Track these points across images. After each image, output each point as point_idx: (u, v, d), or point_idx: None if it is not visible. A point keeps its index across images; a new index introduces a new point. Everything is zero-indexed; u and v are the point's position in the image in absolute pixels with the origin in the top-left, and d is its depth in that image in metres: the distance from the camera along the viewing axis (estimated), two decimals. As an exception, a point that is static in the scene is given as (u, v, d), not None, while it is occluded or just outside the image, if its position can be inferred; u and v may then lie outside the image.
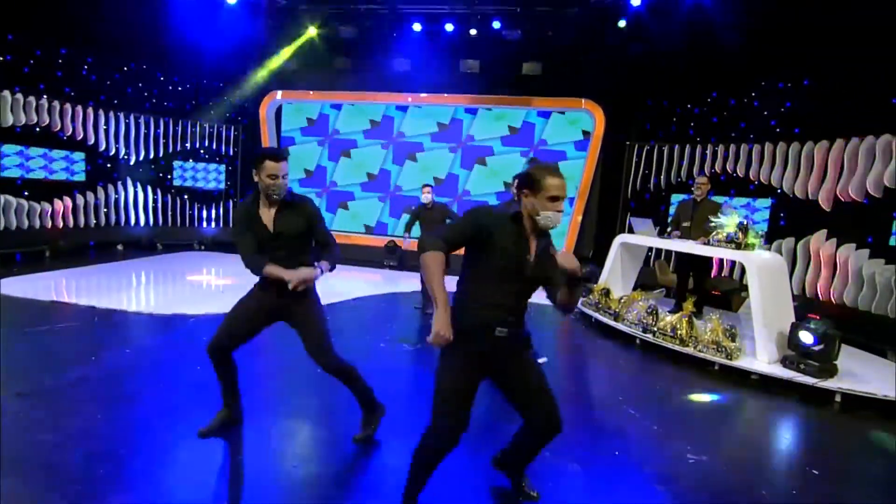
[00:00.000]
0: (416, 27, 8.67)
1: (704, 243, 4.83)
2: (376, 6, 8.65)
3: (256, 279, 2.56)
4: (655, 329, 4.76)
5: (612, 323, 5.25)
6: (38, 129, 7.35)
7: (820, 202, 6.12)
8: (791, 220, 6.59)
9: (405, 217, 8.45)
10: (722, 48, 6.85)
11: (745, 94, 7.19)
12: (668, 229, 5.81)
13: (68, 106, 7.65)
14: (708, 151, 7.43)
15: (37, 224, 7.39)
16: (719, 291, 6.49)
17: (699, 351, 4.37)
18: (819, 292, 6.05)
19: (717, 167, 7.30)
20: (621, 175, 8.41)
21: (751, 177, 6.93)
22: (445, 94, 8.94)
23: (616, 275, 5.93)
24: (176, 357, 3.93)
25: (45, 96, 7.33)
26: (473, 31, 8.42)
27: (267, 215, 2.43)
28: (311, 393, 3.38)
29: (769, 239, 6.74)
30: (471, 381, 1.91)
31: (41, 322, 4.49)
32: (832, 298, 5.89)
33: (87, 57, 7.97)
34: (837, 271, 5.87)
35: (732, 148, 7.15)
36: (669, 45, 7.43)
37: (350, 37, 8.81)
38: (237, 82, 9.42)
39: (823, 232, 6.12)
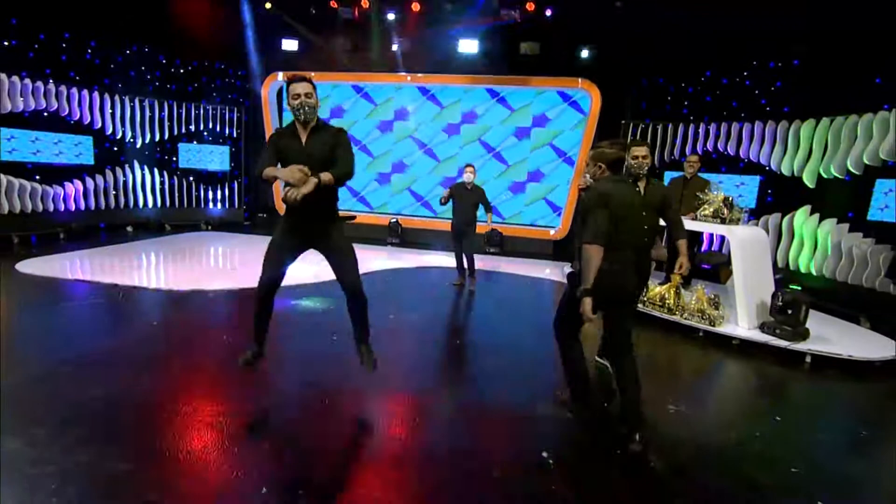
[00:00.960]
0: (415, 7, 8.77)
1: (692, 219, 5.11)
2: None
3: None
4: (645, 299, 5.08)
5: (605, 295, 5.56)
6: (45, 114, 7.50)
7: (804, 179, 6.40)
8: (778, 196, 6.87)
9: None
10: (717, 28, 7.00)
11: (737, 74, 7.38)
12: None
13: (74, 90, 7.80)
14: (700, 130, 7.64)
15: (50, 207, 7.62)
16: (710, 265, 6.83)
17: (685, 319, 4.70)
18: (802, 265, 6.38)
19: (710, 145, 7.53)
20: (617, 154, 8.63)
21: (741, 155, 7.18)
22: (444, 75, 9.06)
23: (609, 250, 6.22)
24: (201, 327, 4.25)
25: (50, 80, 7.47)
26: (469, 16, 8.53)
27: (301, 138, 2.71)
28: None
29: (757, 214, 7.03)
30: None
31: (69, 299, 4.79)
32: (813, 271, 6.22)
33: (91, 41, 8.07)
34: (819, 245, 6.18)
35: (724, 126, 7.37)
36: (665, 24, 7.56)
37: (350, 17, 8.90)
38: (239, 64, 9.53)
39: (807, 207, 6.41)
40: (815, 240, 6.25)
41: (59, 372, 3.11)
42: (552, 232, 8.99)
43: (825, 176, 6.19)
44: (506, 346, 4.24)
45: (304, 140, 2.69)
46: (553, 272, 7.30)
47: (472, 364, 3.93)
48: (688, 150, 7.67)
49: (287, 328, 4.20)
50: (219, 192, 9.71)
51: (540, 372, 3.67)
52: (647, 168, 3.36)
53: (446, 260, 7.16)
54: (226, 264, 7.00)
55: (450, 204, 5.82)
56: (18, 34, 7.19)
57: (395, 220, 9.11)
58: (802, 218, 6.43)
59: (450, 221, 5.91)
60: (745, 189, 7.22)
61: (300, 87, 2.64)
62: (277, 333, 3.53)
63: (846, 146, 5.88)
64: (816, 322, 4.74)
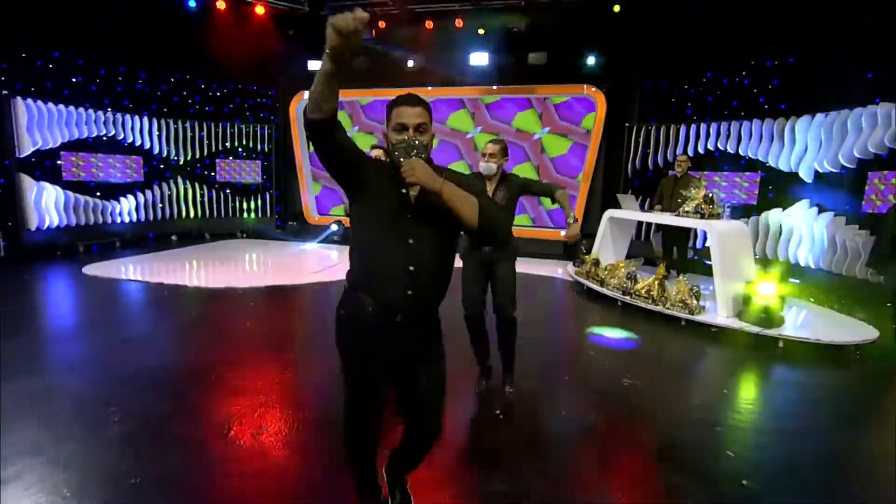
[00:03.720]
0: (429, 24, 9.40)
1: (677, 214, 5.42)
2: (390, 7, 9.42)
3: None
4: (633, 291, 5.43)
5: (598, 288, 5.93)
6: (104, 139, 8.56)
7: (801, 174, 6.54)
8: (777, 192, 7.01)
9: None
10: (716, 29, 7.23)
11: (736, 74, 7.56)
12: (653, 203, 6.38)
13: (128, 116, 8.85)
14: (703, 130, 7.85)
15: (108, 220, 8.66)
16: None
17: (668, 308, 5.02)
18: (800, 258, 6.50)
19: (711, 144, 7.73)
20: (623, 156, 8.92)
21: (741, 153, 7.35)
22: (456, 87, 9.63)
23: (606, 246, 6.57)
24: (232, 317, 4.94)
25: (109, 109, 8.53)
26: (481, 31, 9.07)
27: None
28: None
29: (759, 210, 7.18)
30: None
31: (125, 294, 5.63)
32: (811, 263, 6.34)
33: (141, 72, 9.13)
34: (815, 238, 6.31)
35: (725, 125, 7.56)
36: (667, 27, 7.84)
37: (367, 38, 9.62)
38: (269, 85, 10.42)
39: (806, 201, 6.54)
40: (812, 233, 6.38)
41: (120, 346, 3.85)
42: (562, 233, 9.32)
43: (820, 170, 6.33)
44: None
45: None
46: (565, 272, 7.65)
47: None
48: (690, 149, 7.88)
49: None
50: (252, 203, 10.60)
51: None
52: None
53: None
54: (257, 268, 7.77)
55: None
56: (84, 71, 8.27)
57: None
58: (801, 212, 6.56)
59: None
60: (749, 186, 7.38)
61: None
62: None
63: (838, 140, 6.02)
64: (805, 313, 4.97)
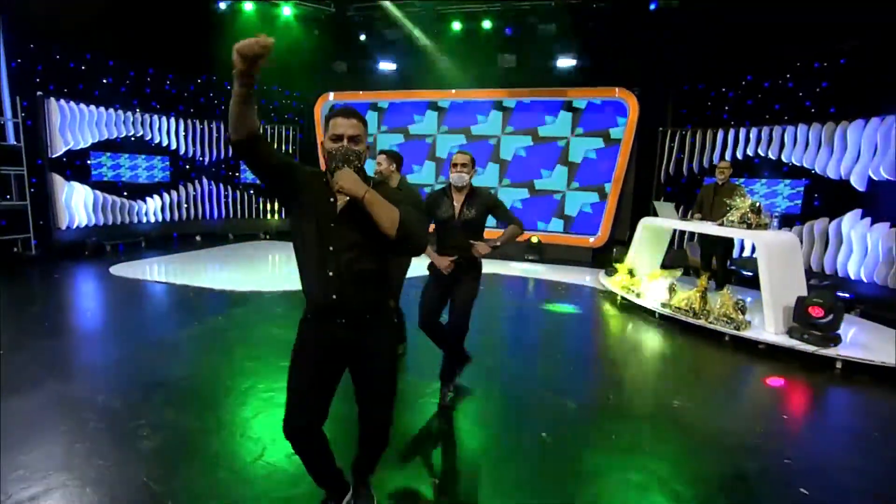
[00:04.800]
0: (456, 26, 9.25)
1: (720, 224, 5.14)
2: (417, 9, 9.30)
3: None
4: (671, 304, 5.16)
5: (634, 299, 5.67)
6: (132, 139, 8.62)
7: (853, 182, 6.17)
8: (825, 200, 6.64)
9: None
10: (756, 30, 6.92)
11: (780, 76, 7.22)
12: (691, 212, 6.09)
13: (156, 117, 8.89)
14: (741, 135, 7.51)
15: (135, 219, 8.71)
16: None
17: (710, 323, 4.74)
18: (850, 271, 6.13)
19: (750, 150, 7.39)
20: (655, 161, 8.62)
21: (783, 159, 7.00)
22: (485, 89, 9.45)
23: (641, 255, 6.30)
24: (258, 321, 4.83)
25: (137, 110, 8.58)
26: (508, 31, 8.90)
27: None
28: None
29: (803, 220, 6.82)
30: None
31: (152, 297, 5.58)
32: (863, 277, 5.97)
33: (169, 74, 9.18)
34: (869, 250, 5.94)
35: (766, 130, 7.22)
36: (703, 29, 7.56)
37: (395, 38, 9.53)
38: (294, 87, 10.40)
39: (857, 211, 6.17)
40: (865, 245, 6.00)
41: (143, 351, 3.75)
42: (591, 240, 9.07)
43: (875, 178, 5.96)
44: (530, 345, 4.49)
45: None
46: (593, 279, 7.39)
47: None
48: (728, 155, 7.55)
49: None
50: (276, 205, 10.57)
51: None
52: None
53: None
54: (280, 270, 7.70)
55: None
56: (114, 72, 8.34)
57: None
58: (852, 222, 6.19)
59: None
60: (792, 194, 7.03)
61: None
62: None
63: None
64: (861, 330, 4.64)
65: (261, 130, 1.65)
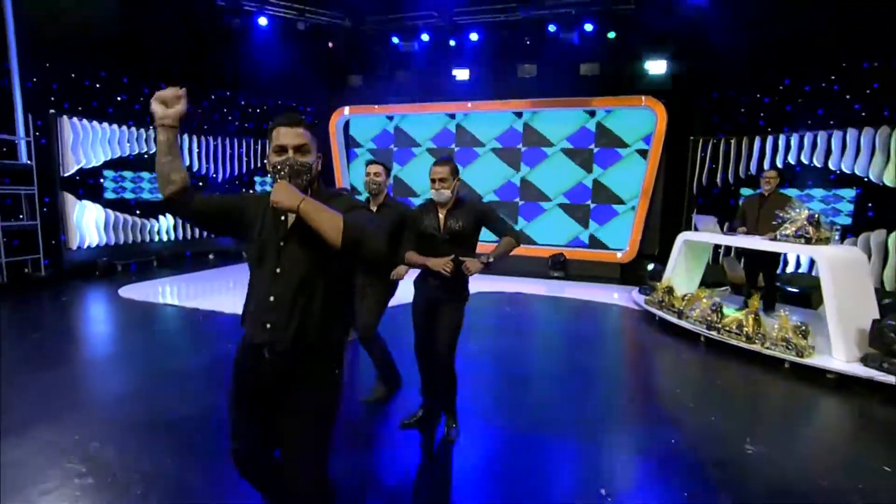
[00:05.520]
0: (474, 37, 9.01)
1: (772, 239, 4.69)
2: (434, 19, 9.09)
3: None
4: (720, 326, 4.69)
5: (675, 320, 5.21)
6: (145, 156, 8.47)
7: (913, 190, 5.68)
8: (880, 210, 6.13)
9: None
10: (793, 32, 6.52)
11: (823, 79, 6.77)
12: (734, 225, 5.62)
13: (169, 133, 8.74)
14: (781, 142, 7.05)
15: (147, 238, 8.51)
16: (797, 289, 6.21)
17: (767, 348, 4.27)
18: (913, 288, 5.60)
19: (792, 158, 6.92)
20: (686, 171, 8.18)
21: (831, 166, 6.52)
22: (504, 101, 9.14)
23: (680, 273, 5.85)
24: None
25: (151, 127, 8.44)
26: (528, 40, 8.63)
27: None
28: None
29: (855, 231, 6.31)
30: None
31: (160, 321, 5.29)
32: (929, 294, 5.43)
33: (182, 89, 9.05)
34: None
35: (809, 136, 6.76)
36: (733, 33, 7.17)
37: (410, 50, 9.31)
38: (308, 101, 10.24)
39: (918, 222, 5.67)
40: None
41: (145, 387, 3.42)
42: (619, 255, 8.61)
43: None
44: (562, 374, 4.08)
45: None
46: (625, 297, 6.92)
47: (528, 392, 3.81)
48: (766, 164, 7.09)
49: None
50: (291, 221, 10.34)
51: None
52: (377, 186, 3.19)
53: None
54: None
55: None
56: (128, 89, 8.23)
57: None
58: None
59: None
60: (840, 204, 6.53)
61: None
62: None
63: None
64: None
65: (189, 181, 1.57)
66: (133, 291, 6.37)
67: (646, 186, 8.41)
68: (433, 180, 2.68)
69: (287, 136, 1.52)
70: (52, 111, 7.18)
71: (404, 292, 3.12)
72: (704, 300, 5.00)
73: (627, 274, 8.45)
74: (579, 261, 8.66)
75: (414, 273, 2.87)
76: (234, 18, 8.90)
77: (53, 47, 7.27)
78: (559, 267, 8.49)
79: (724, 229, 5.48)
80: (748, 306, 4.60)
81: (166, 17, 8.03)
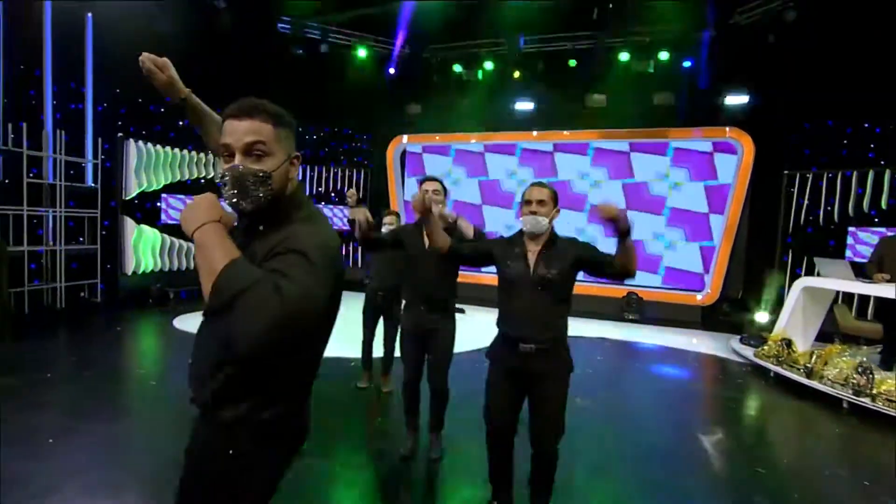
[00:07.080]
0: (539, 66, 8.69)
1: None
2: (497, 48, 8.84)
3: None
4: (873, 392, 3.92)
5: (803, 380, 4.45)
6: (202, 181, 8.34)
7: None
8: None
9: None
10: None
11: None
12: (866, 270, 4.87)
13: (228, 159, 8.64)
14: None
15: (200, 264, 8.29)
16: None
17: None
18: None
19: (910, 194, 6.16)
20: (774, 209, 7.45)
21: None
22: (571, 132, 8.70)
23: (797, 323, 5.10)
24: (334, 397, 3.98)
25: (210, 152, 8.33)
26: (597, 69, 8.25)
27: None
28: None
29: None
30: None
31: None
32: None
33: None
34: None
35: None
36: (830, 58, 6.58)
37: (473, 79, 9.05)
38: (365, 129, 10.06)
39: None
40: None
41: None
42: (699, 297, 7.85)
43: None
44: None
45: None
46: (715, 345, 6.16)
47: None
48: (884, 200, 6.31)
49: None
50: (343, 250, 10.01)
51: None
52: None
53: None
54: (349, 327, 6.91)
55: None
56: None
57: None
58: None
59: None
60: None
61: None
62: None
63: None
64: None
65: None
66: (188, 322, 6.02)
67: (730, 224, 7.71)
68: (528, 202, 2.14)
69: (234, 132, 1.07)
70: (119, 135, 7.13)
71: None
72: (846, 358, 4.25)
73: (708, 318, 7.68)
74: (654, 302, 7.92)
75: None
76: (299, 49, 8.87)
77: (123, 74, 7.28)
78: (634, 309, 7.77)
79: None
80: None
81: (228, 44, 8.00)
